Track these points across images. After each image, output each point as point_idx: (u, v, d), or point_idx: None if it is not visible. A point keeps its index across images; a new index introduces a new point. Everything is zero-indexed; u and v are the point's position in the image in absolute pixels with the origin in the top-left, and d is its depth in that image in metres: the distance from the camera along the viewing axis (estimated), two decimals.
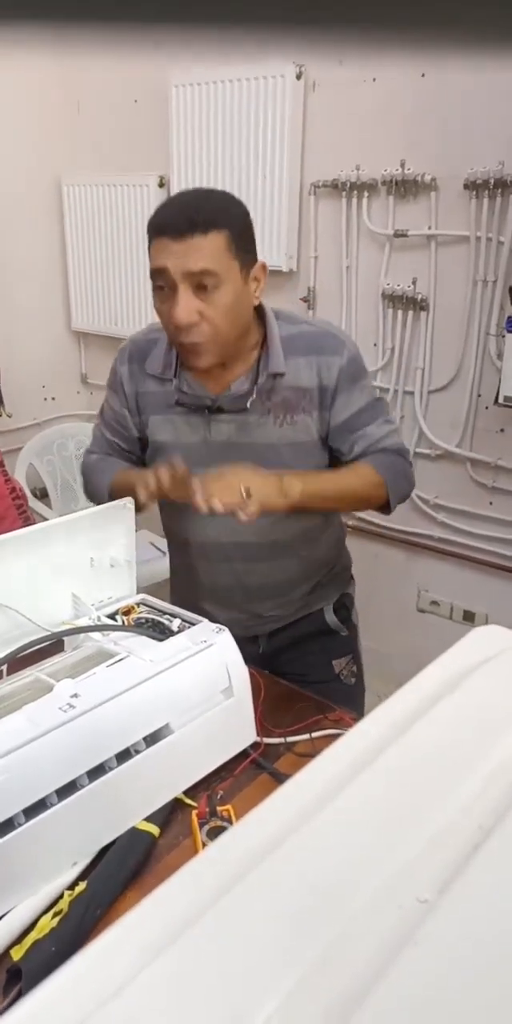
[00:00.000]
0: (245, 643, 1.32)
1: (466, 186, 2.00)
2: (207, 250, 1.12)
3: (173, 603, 1.49)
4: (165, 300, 1.16)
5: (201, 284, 1.13)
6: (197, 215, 1.13)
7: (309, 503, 1.21)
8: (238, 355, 1.25)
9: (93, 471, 1.41)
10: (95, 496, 1.37)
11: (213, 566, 1.38)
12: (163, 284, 1.15)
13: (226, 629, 1.10)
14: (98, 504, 1.31)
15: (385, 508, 1.33)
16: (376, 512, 1.37)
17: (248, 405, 1.25)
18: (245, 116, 2.29)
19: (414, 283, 2.18)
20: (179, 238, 1.11)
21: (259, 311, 1.26)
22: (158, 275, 1.15)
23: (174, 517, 1.40)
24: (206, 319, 1.15)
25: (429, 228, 2.12)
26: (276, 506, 1.16)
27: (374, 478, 1.28)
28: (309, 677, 1.38)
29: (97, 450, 1.43)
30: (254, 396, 1.25)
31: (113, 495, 1.29)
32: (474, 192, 2.00)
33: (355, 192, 2.21)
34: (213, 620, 1.36)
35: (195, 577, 1.42)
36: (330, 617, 1.47)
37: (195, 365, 1.21)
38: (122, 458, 1.39)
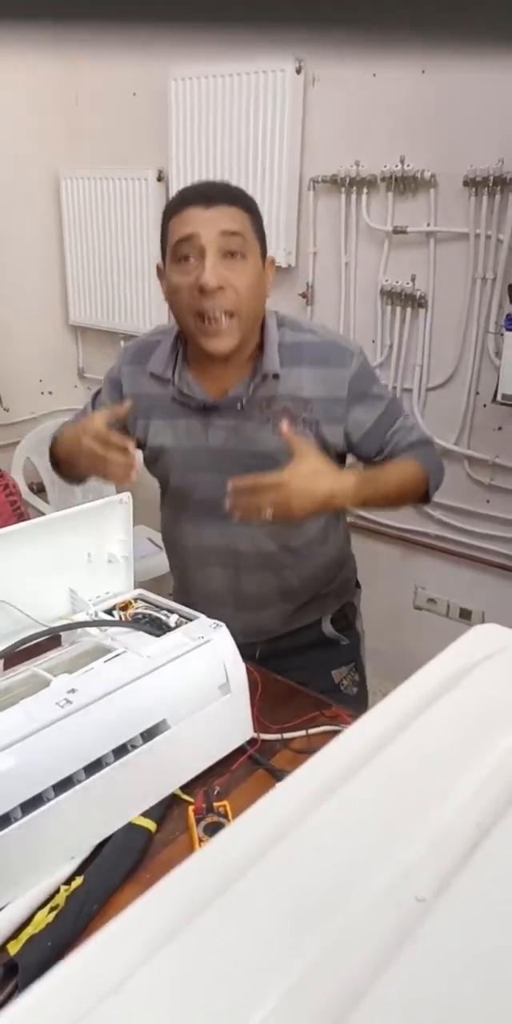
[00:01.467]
0: (241, 649, 1.32)
1: (465, 183, 2.00)
2: (236, 218, 1.13)
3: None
4: (190, 271, 1.13)
5: (229, 251, 1.12)
6: (224, 189, 1.16)
7: (359, 507, 1.20)
8: (242, 354, 1.23)
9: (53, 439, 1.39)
10: (51, 456, 1.37)
11: (206, 571, 1.36)
12: (188, 253, 1.13)
13: (223, 625, 1.10)
14: (58, 471, 1.34)
15: (423, 500, 1.30)
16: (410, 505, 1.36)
17: (241, 406, 1.23)
18: (244, 110, 2.28)
19: (413, 280, 2.18)
20: (208, 205, 1.12)
21: None
22: (184, 244, 1.13)
23: (169, 519, 1.40)
24: (232, 287, 1.13)
25: (428, 225, 2.11)
26: (322, 509, 1.12)
27: (419, 473, 1.25)
28: (308, 687, 1.36)
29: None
30: (250, 394, 1.23)
31: (57, 451, 1.31)
32: (473, 189, 2.00)
33: (354, 188, 2.20)
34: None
35: (189, 581, 1.41)
36: (327, 628, 1.44)
37: (215, 348, 1.17)
38: None
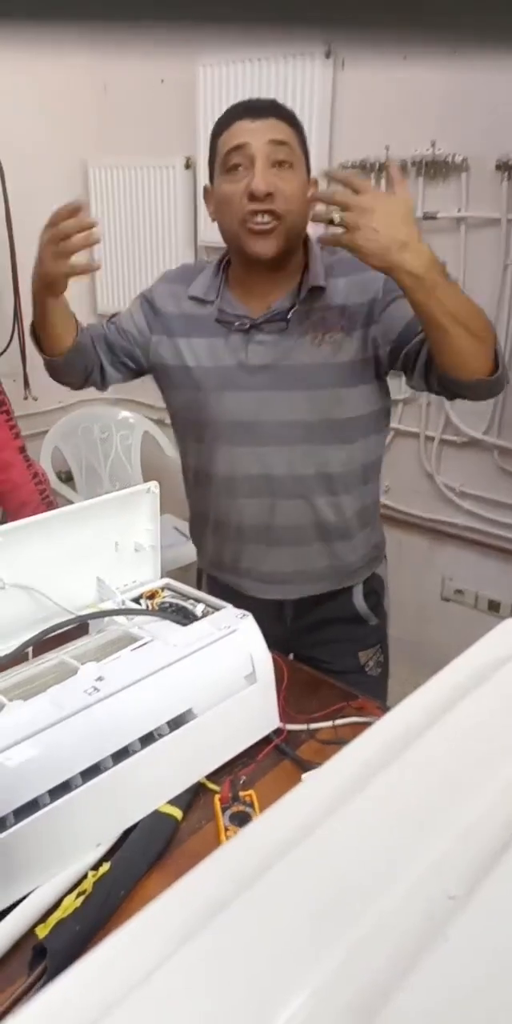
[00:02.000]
0: (271, 617, 1.32)
1: (498, 167, 1.96)
2: (282, 129, 1.19)
3: (198, 558, 1.49)
4: (240, 179, 1.18)
5: (277, 160, 1.18)
6: (271, 103, 1.22)
7: (427, 289, 1.04)
8: (284, 266, 1.26)
9: None
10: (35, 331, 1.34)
11: (238, 503, 1.33)
12: (239, 163, 1.18)
13: (249, 615, 1.09)
14: (49, 371, 1.34)
15: (492, 361, 1.12)
16: (466, 387, 1.15)
17: (289, 317, 1.25)
18: (273, 95, 2.25)
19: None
20: (259, 118, 1.18)
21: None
22: (235, 153, 1.18)
23: (196, 449, 1.37)
24: (281, 193, 1.18)
25: (459, 211, 2.08)
26: (389, 254, 1.02)
27: (487, 319, 1.13)
28: (333, 666, 1.36)
29: None
30: (296, 307, 1.25)
31: (34, 323, 1.30)
32: (506, 174, 1.95)
33: (384, 173, 2.17)
34: (234, 568, 1.37)
35: (218, 516, 1.37)
36: (359, 601, 1.42)
37: (261, 250, 1.21)
38: (107, 348, 1.38)
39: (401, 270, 1.04)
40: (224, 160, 1.20)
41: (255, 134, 1.17)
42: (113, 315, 1.42)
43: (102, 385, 1.41)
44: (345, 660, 1.43)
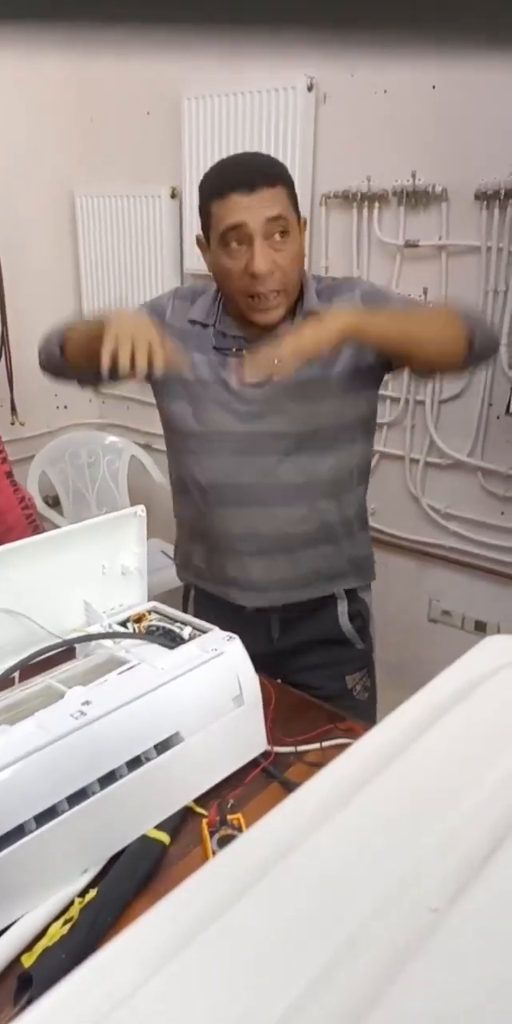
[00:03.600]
0: (258, 633, 1.36)
1: (477, 196, 2.00)
2: (278, 199, 1.20)
3: (181, 573, 1.50)
4: (239, 256, 1.21)
5: (274, 233, 1.19)
6: (262, 170, 1.21)
7: (366, 331, 1.14)
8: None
9: (54, 328, 1.41)
10: (50, 343, 1.37)
11: (227, 511, 1.35)
12: (237, 240, 1.20)
13: (236, 637, 1.10)
14: (52, 362, 1.36)
15: (467, 347, 1.18)
16: (453, 372, 1.29)
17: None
18: (256, 127, 2.30)
19: (425, 293, 2.18)
20: (251, 192, 1.18)
21: None
22: (232, 232, 1.19)
23: (185, 458, 1.38)
24: (280, 268, 1.21)
25: (440, 238, 2.12)
26: (318, 342, 1.08)
27: (450, 313, 1.22)
28: (322, 691, 1.36)
29: None
30: (290, 324, 1.27)
31: (71, 338, 1.32)
32: (485, 202, 2.00)
33: (366, 203, 2.22)
34: (222, 577, 1.38)
35: (205, 527, 1.39)
36: (344, 621, 1.43)
37: (265, 322, 1.25)
38: None
39: (338, 337, 1.10)
40: (222, 235, 1.21)
41: (252, 212, 1.18)
42: None
43: (107, 382, 1.37)
44: (333, 684, 1.43)
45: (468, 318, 1.21)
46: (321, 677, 1.43)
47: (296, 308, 1.31)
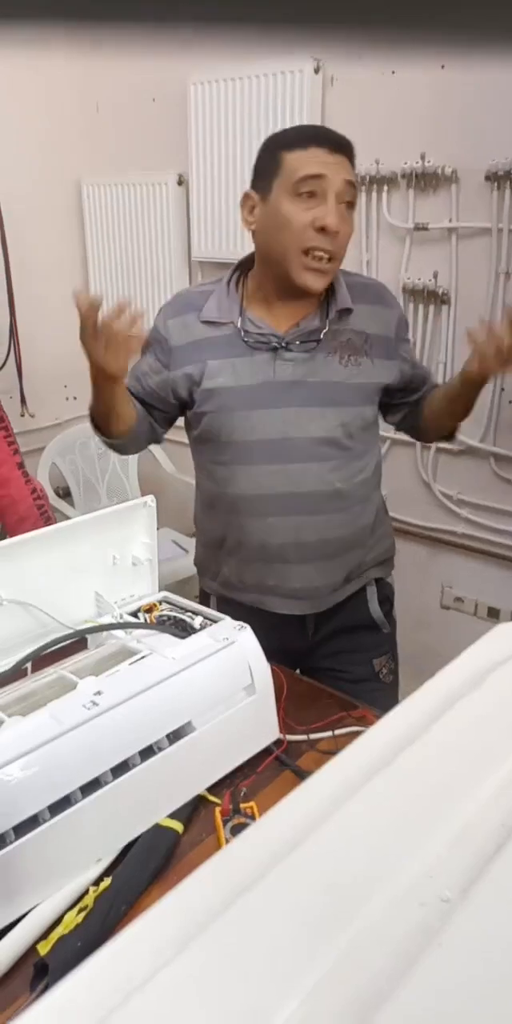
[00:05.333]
0: (294, 631, 1.39)
1: (487, 178, 1.98)
2: (352, 171, 1.22)
3: (204, 582, 1.50)
4: (309, 208, 1.19)
5: (344, 199, 1.20)
6: (342, 139, 1.23)
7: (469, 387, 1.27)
8: (318, 293, 1.29)
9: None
10: (92, 420, 1.37)
11: (265, 521, 1.33)
12: (312, 191, 1.18)
13: (247, 626, 1.10)
14: (99, 436, 1.36)
15: (453, 434, 1.44)
16: (441, 441, 1.55)
17: (321, 337, 1.28)
18: (263, 112, 2.28)
19: (435, 277, 2.16)
20: (334, 152, 1.19)
21: None
22: (311, 180, 1.18)
23: (217, 471, 1.36)
24: (343, 235, 1.22)
25: (450, 221, 2.09)
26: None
27: None
28: (351, 675, 1.38)
29: None
30: (327, 328, 1.28)
31: (94, 412, 1.33)
32: (495, 184, 1.97)
33: (374, 186, 2.19)
34: (259, 587, 1.39)
35: (240, 539, 1.36)
36: (374, 607, 1.44)
37: (312, 284, 1.23)
38: (147, 410, 1.39)
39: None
40: (297, 183, 1.18)
41: (333, 168, 1.18)
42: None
43: (160, 440, 1.45)
44: (360, 669, 1.44)
45: None
46: (349, 662, 1.43)
47: (329, 303, 1.30)
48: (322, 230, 1.18)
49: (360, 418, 1.31)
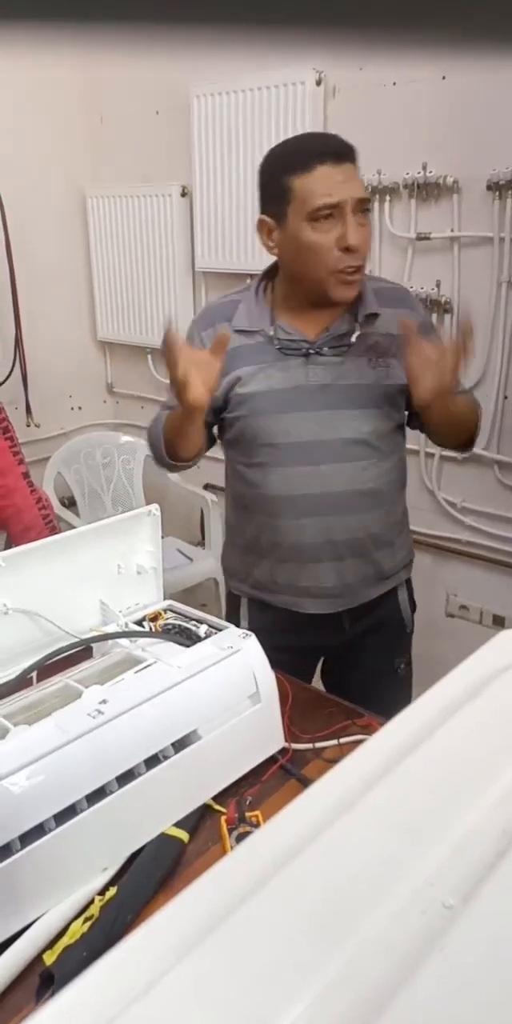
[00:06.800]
0: (326, 630, 1.42)
1: (489, 187, 1.98)
2: (360, 179, 1.24)
3: (233, 584, 1.53)
4: (328, 230, 1.21)
5: (360, 211, 1.22)
6: (343, 144, 1.23)
7: (450, 402, 1.27)
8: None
9: (151, 431, 1.42)
10: (156, 448, 1.39)
11: (298, 523, 1.35)
12: (331, 213, 1.20)
13: (252, 635, 1.10)
14: (164, 463, 1.38)
15: (470, 441, 1.41)
16: (455, 450, 1.50)
17: (353, 340, 1.30)
18: (266, 123, 2.30)
19: (438, 286, 2.17)
20: (339, 163, 1.19)
21: None
22: (324, 207, 1.19)
23: (249, 474, 1.38)
24: (364, 245, 1.24)
25: (452, 230, 2.10)
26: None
27: (473, 407, 1.39)
28: (372, 673, 1.44)
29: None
30: (358, 331, 1.31)
31: (166, 436, 1.34)
32: (497, 193, 1.98)
33: (377, 196, 2.20)
34: (291, 588, 1.41)
35: (273, 540, 1.39)
36: (404, 607, 1.49)
37: (345, 296, 1.26)
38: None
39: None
40: (312, 212, 1.20)
41: (344, 188, 1.19)
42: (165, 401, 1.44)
43: (208, 447, 1.45)
44: (382, 665, 1.49)
45: (478, 410, 1.39)
46: (371, 660, 1.48)
47: (354, 307, 1.32)
48: (346, 249, 1.21)
49: (389, 419, 1.35)
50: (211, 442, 1.44)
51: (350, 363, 1.31)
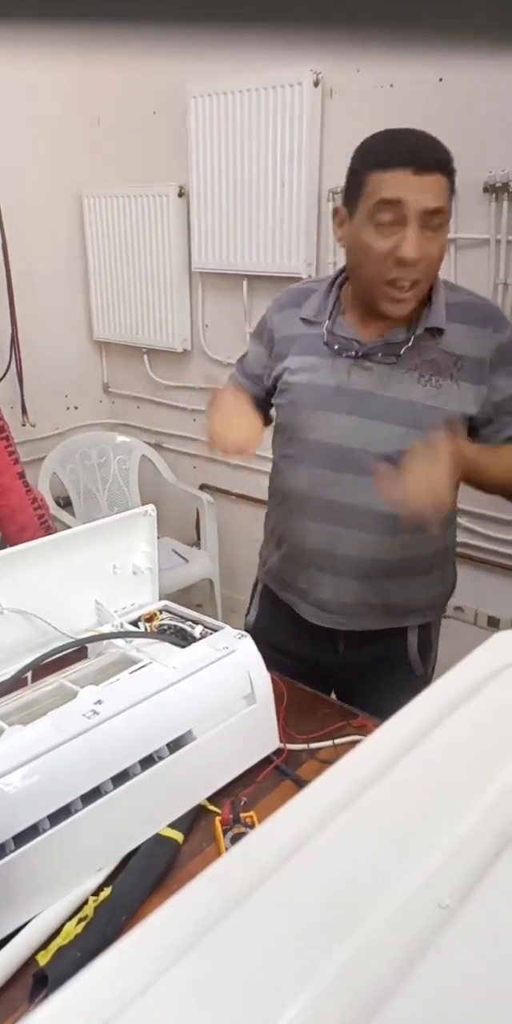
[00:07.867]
0: (323, 645, 1.37)
1: (486, 189, 1.99)
2: (441, 190, 1.12)
3: (259, 568, 1.51)
4: (387, 235, 1.12)
5: (429, 224, 1.11)
6: (436, 152, 1.13)
7: (476, 480, 1.22)
8: None
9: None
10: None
11: (304, 524, 1.32)
12: (391, 217, 1.11)
13: (248, 635, 1.10)
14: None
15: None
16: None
17: (401, 353, 1.22)
18: (263, 124, 2.30)
19: None
20: (421, 172, 1.09)
21: None
22: (387, 206, 1.10)
23: (284, 466, 1.35)
24: (426, 258, 1.13)
25: (449, 233, 2.10)
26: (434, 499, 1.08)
27: None
28: (373, 705, 1.29)
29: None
30: (410, 344, 1.21)
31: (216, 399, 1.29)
32: (493, 195, 1.98)
33: None
34: (292, 587, 1.38)
35: (285, 535, 1.37)
36: (412, 652, 1.38)
37: (395, 313, 1.18)
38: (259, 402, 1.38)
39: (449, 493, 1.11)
40: (373, 209, 1.12)
41: (414, 193, 1.09)
42: (242, 356, 1.46)
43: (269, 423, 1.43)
44: (387, 703, 1.37)
45: None
46: (373, 696, 1.34)
47: (420, 318, 1.22)
48: (400, 260, 1.12)
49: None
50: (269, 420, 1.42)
51: (398, 375, 1.22)
